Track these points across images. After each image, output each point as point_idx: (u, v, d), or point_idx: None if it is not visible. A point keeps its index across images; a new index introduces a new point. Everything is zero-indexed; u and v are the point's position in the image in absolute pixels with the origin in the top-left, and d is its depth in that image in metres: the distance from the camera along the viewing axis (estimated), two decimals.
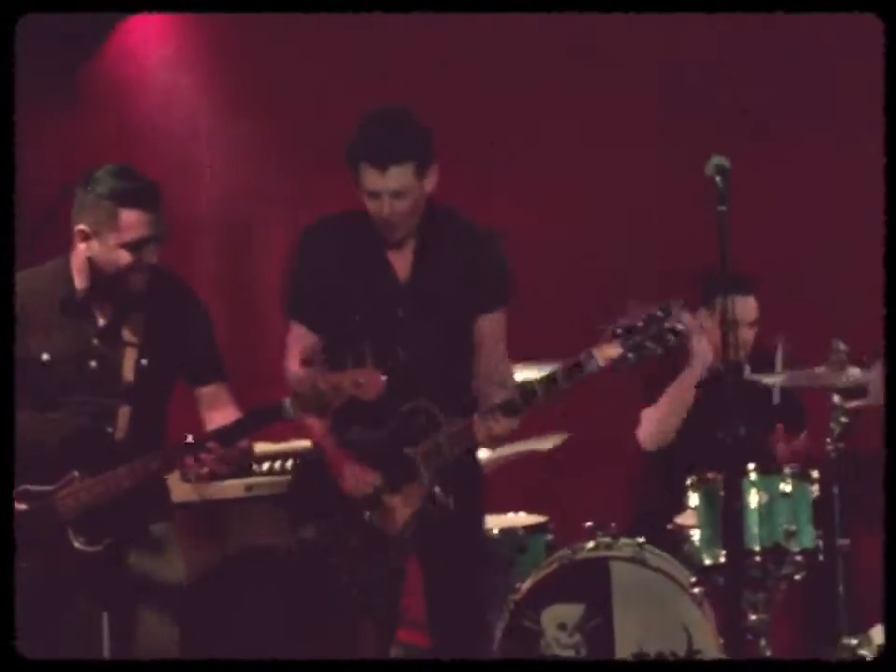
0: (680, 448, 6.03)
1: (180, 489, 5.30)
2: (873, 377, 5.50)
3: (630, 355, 4.71)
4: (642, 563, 5.54)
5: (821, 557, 5.66)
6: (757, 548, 5.57)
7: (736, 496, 5.20)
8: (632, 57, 6.99)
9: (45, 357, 4.76)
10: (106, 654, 5.04)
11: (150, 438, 4.76)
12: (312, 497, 4.97)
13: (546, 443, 6.29)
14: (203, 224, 6.98)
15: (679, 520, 5.76)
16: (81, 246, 4.75)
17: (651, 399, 6.25)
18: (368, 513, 4.78)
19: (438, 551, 4.97)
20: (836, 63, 6.73)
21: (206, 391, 4.84)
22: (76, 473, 4.67)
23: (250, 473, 5.93)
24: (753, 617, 5.57)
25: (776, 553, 5.60)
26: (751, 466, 5.61)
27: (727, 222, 4.74)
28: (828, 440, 5.74)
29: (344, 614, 4.98)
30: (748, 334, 5.94)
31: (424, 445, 4.85)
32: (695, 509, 5.70)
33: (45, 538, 4.68)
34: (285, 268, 5.10)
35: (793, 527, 5.61)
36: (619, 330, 4.68)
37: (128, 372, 4.79)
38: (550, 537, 5.96)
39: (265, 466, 5.95)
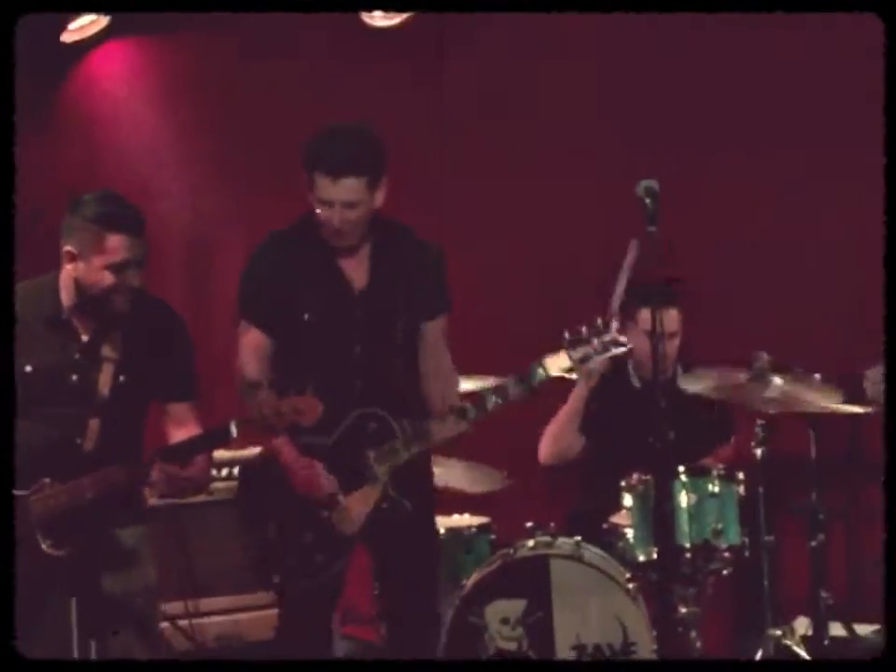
0: (615, 452, 6.01)
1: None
2: (870, 380, 5.52)
3: (580, 363, 4.75)
4: (579, 560, 5.55)
5: (747, 553, 5.67)
6: (687, 545, 5.59)
7: (667, 496, 5.35)
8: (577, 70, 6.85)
9: (28, 368, 4.72)
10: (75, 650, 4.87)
11: (121, 451, 4.72)
12: (262, 499, 4.95)
13: (483, 484, 6.29)
14: (165, 246, 6.97)
15: (614, 519, 5.78)
16: (68, 267, 4.75)
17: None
18: (326, 514, 4.76)
19: (393, 548, 4.97)
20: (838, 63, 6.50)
21: (175, 408, 4.85)
22: (46, 480, 4.65)
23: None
24: (684, 610, 5.61)
25: (704, 549, 5.62)
26: (681, 468, 5.63)
27: (657, 241, 4.74)
28: (753, 443, 5.80)
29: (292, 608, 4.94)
30: (670, 345, 5.92)
31: (378, 448, 4.84)
32: (629, 509, 5.71)
33: (17, 538, 4.60)
34: (241, 272, 5.12)
35: (721, 526, 5.62)
36: (569, 340, 4.70)
37: (104, 387, 4.77)
38: (493, 536, 5.96)
39: (224, 472, 5.98)
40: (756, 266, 6.65)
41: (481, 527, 6.00)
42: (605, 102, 6.80)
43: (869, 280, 5.49)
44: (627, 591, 5.49)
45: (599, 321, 4.81)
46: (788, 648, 5.68)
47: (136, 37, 7.22)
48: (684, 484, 5.64)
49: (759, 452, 5.80)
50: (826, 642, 5.81)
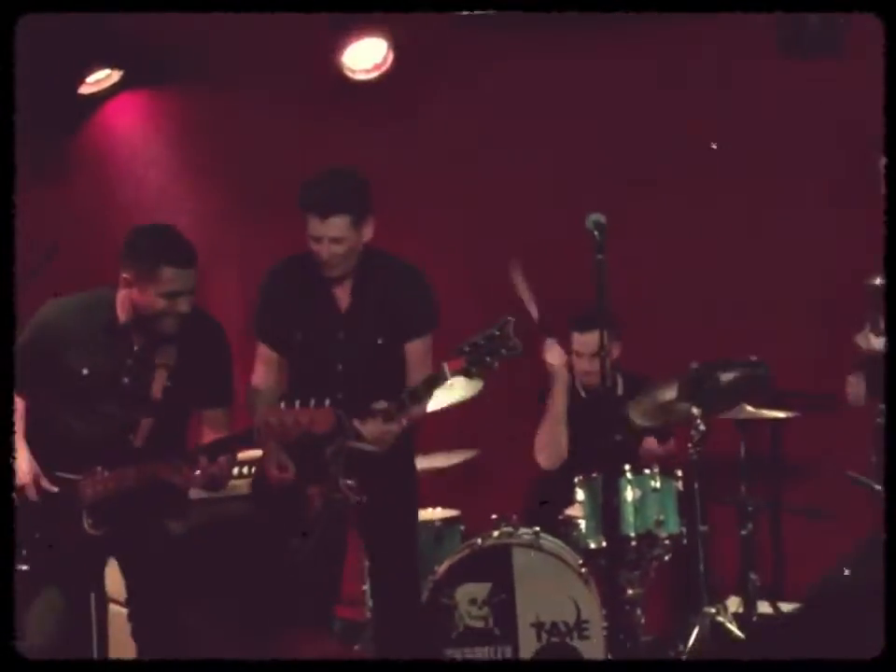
0: (569, 453, 6.07)
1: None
2: (852, 384, 5.40)
3: (472, 368, 4.72)
4: (538, 548, 5.61)
5: (685, 541, 5.75)
6: (632, 534, 5.66)
7: (614, 491, 5.48)
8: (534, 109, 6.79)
9: (85, 371, 4.72)
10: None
11: (167, 448, 4.74)
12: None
13: (458, 458, 6.29)
14: None
15: (569, 512, 5.83)
16: (124, 290, 4.74)
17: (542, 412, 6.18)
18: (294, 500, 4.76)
19: (380, 536, 5.04)
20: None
21: (212, 414, 4.85)
22: (99, 468, 4.70)
23: None
24: (630, 591, 5.67)
25: (648, 538, 5.69)
26: (627, 466, 5.69)
27: (604, 268, 4.77)
28: (689, 444, 5.81)
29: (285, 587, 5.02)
30: (592, 363, 5.80)
31: (332, 446, 4.83)
32: (581, 502, 5.77)
33: (64, 514, 4.67)
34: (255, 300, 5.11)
35: (662, 517, 5.69)
36: (465, 348, 4.71)
37: (157, 391, 4.77)
38: (462, 527, 6.00)
39: (234, 470, 5.59)
40: (694, 289, 6.59)
41: (451, 520, 6.02)
42: (559, 145, 6.74)
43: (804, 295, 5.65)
44: (580, 575, 5.55)
45: (493, 329, 4.74)
46: (721, 624, 5.69)
47: (147, 89, 7.07)
48: (629, 481, 5.68)
49: (695, 452, 5.79)
50: (754, 618, 5.78)
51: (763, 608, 5.98)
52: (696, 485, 5.82)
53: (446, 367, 4.74)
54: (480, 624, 5.56)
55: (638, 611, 5.73)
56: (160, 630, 4.79)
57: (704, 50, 6.48)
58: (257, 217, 6.70)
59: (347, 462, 4.81)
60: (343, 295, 4.98)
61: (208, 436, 4.79)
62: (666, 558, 5.81)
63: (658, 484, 5.73)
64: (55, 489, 4.67)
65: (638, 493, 5.71)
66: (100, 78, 6.89)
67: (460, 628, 5.52)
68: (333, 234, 4.85)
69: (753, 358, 5.82)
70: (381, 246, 5.00)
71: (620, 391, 5.98)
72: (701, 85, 6.54)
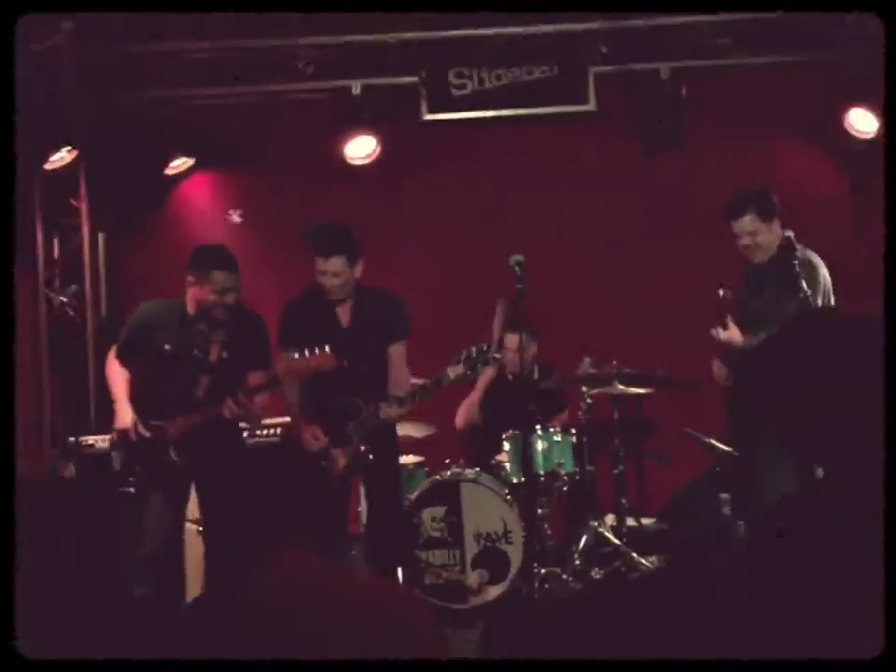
0: (499, 418, 6.65)
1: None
2: (717, 366, 5.41)
3: (468, 372, 5.22)
4: (479, 483, 6.23)
5: (577, 477, 6.42)
6: (542, 472, 6.33)
7: (529, 443, 6.20)
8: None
9: (167, 347, 5.11)
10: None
11: (221, 397, 5.06)
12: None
13: (422, 432, 6.74)
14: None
15: (498, 458, 6.50)
16: (190, 290, 5.12)
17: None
18: (323, 462, 4.87)
19: (378, 478, 5.45)
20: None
21: (254, 374, 5.18)
22: (176, 415, 5.11)
23: (256, 435, 5.94)
24: (540, 511, 6.31)
25: (552, 475, 6.37)
26: (538, 427, 6.37)
27: (523, 294, 5.48)
28: (580, 412, 6.56)
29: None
30: (517, 356, 6.09)
31: (354, 422, 5.23)
32: (507, 451, 6.46)
33: (157, 449, 5.03)
34: (279, 318, 5.47)
35: (562, 460, 6.38)
36: (463, 357, 5.17)
37: (213, 358, 5.17)
38: (426, 469, 6.55)
39: (265, 431, 6.07)
40: (592, 301, 7.37)
41: (419, 464, 6.61)
42: (499, 214, 7.39)
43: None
44: (506, 500, 6.15)
45: (483, 345, 5.18)
46: (602, 534, 6.27)
47: (211, 171, 7.62)
48: (539, 436, 6.37)
49: (584, 417, 6.49)
50: (624, 529, 6.37)
51: (631, 522, 6.50)
52: (585, 439, 6.44)
53: (449, 371, 5.12)
54: (438, 535, 6.08)
55: (546, 525, 6.29)
56: (225, 541, 4.93)
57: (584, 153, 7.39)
58: (286, 260, 6.96)
59: (364, 433, 5.19)
60: (344, 314, 5.34)
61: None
62: (565, 489, 6.43)
63: (559, 438, 6.38)
64: (148, 433, 5.04)
65: (546, 444, 6.32)
66: (178, 164, 7.58)
67: (425, 536, 6.10)
68: (333, 270, 5.17)
69: (614, 362, 6.39)
70: (372, 282, 5.41)
71: (535, 376, 6.75)
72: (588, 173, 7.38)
